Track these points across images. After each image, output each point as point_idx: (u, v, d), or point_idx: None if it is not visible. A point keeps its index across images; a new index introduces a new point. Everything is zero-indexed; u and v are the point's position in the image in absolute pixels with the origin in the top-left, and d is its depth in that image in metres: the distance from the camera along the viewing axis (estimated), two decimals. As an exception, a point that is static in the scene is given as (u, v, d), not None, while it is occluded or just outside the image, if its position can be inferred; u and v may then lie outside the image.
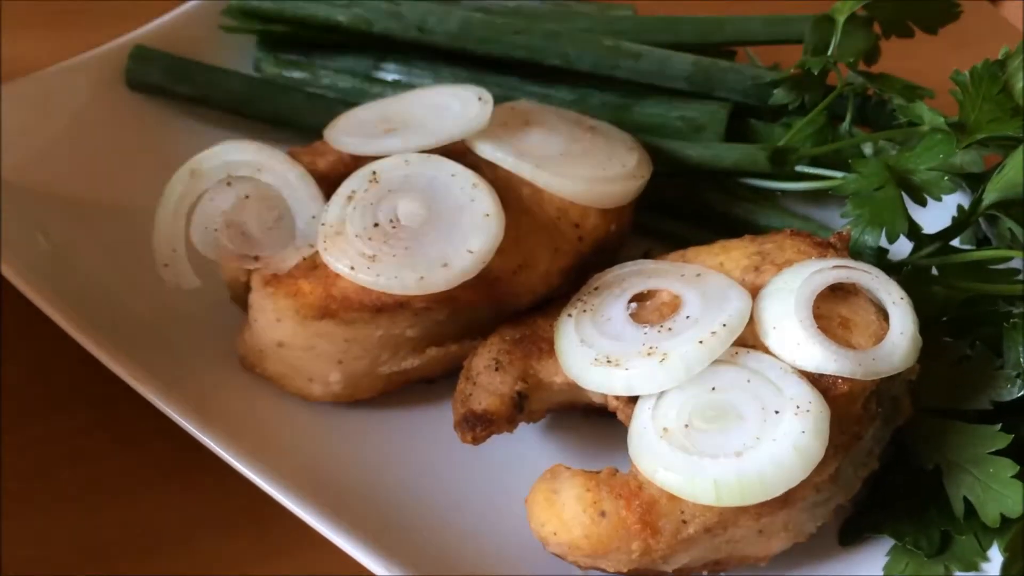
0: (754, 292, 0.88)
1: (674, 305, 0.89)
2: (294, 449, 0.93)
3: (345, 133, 1.00)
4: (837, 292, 0.88)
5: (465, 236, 0.90)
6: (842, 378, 0.82)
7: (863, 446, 0.86)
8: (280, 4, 1.20)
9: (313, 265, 0.90)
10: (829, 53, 1.12)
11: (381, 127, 1.01)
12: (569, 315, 0.90)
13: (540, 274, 0.94)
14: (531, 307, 0.96)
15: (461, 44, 1.18)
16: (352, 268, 0.87)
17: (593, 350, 0.86)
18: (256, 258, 0.91)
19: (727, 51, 1.27)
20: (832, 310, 0.86)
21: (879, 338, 0.85)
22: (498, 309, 0.94)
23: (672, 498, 0.79)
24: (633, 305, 0.90)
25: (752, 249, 0.94)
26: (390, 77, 1.23)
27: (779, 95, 1.16)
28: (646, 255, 1.06)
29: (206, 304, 1.00)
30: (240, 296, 0.98)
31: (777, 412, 0.80)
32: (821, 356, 0.82)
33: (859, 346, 0.84)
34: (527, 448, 0.95)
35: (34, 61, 1.15)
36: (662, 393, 0.83)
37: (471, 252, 0.89)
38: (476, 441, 0.86)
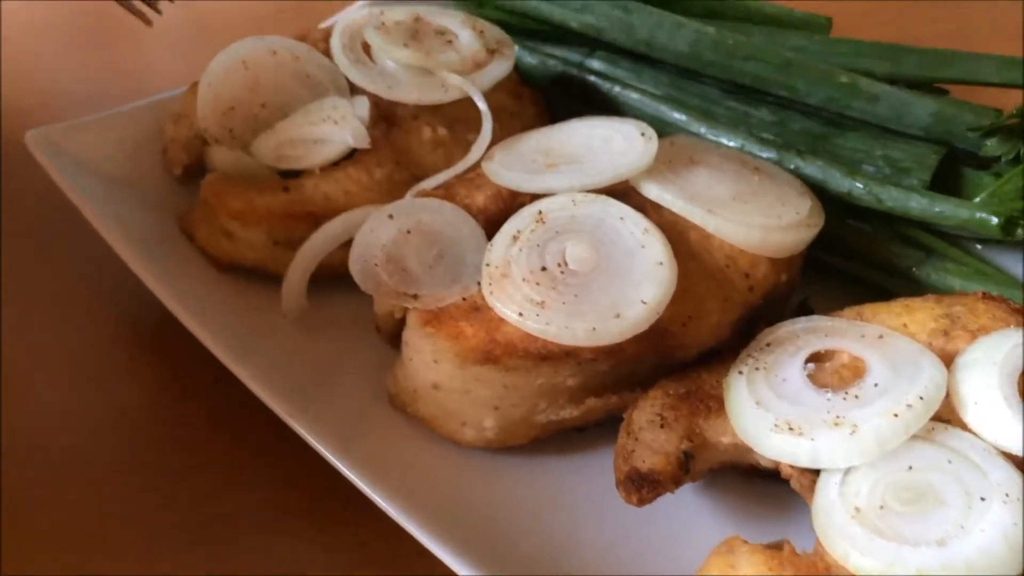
0: (944, 360, 0.82)
1: (856, 369, 0.83)
2: (442, 493, 0.89)
3: (505, 167, 0.96)
4: None
5: (637, 285, 0.85)
6: None
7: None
8: (522, 4, 1.21)
9: (475, 307, 0.87)
10: None
11: (542, 161, 0.97)
12: (740, 372, 0.85)
13: (710, 326, 0.89)
14: (696, 363, 0.91)
15: (687, 64, 1.16)
16: (520, 315, 0.83)
17: (771, 414, 0.80)
18: (415, 296, 0.88)
19: (938, 88, 1.19)
20: None
21: None
22: (663, 361, 0.90)
23: None
24: (810, 366, 0.84)
25: (939, 311, 0.88)
26: (596, 66, 1.23)
27: (992, 147, 1.07)
28: (803, 305, 1.01)
29: (351, 335, 0.99)
30: (389, 331, 0.95)
31: (983, 499, 0.73)
32: None
33: None
34: (685, 507, 0.90)
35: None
36: (850, 468, 0.77)
37: (644, 303, 0.84)
38: (641, 503, 0.81)
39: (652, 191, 0.93)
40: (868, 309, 0.90)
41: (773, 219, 0.93)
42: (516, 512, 0.89)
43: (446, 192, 0.96)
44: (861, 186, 1.05)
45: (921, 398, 0.78)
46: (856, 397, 0.80)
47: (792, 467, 0.81)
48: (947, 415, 0.79)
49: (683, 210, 0.92)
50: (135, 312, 1.08)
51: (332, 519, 0.92)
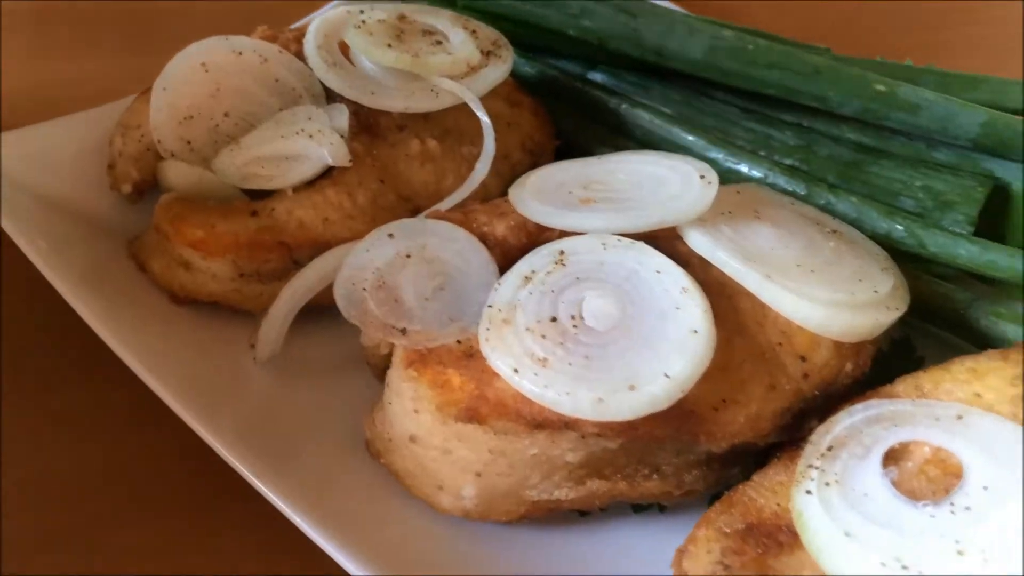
0: None
1: (944, 465, 0.68)
2: (416, 561, 0.77)
3: (534, 196, 0.83)
4: None
5: (664, 354, 0.70)
6: None
7: None
8: (511, 3, 1.08)
9: (469, 353, 0.74)
10: None
11: (578, 195, 0.83)
12: (808, 492, 0.68)
13: (749, 415, 0.74)
14: (726, 455, 0.76)
15: (703, 73, 1.03)
16: (516, 371, 0.70)
17: (869, 548, 0.65)
18: (403, 331, 0.75)
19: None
20: None
21: None
22: (685, 449, 0.75)
23: None
24: (891, 471, 0.68)
25: (1011, 371, 0.73)
26: (599, 79, 1.10)
27: None
28: (906, 343, 0.90)
29: (328, 377, 0.87)
30: (377, 366, 0.83)
31: None
32: None
33: None
34: None
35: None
36: None
37: (668, 377, 0.69)
38: None
39: (701, 244, 0.79)
40: (926, 380, 0.75)
41: (844, 295, 0.77)
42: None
43: (464, 216, 0.83)
44: (902, 228, 0.93)
45: None
46: (967, 509, 0.66)
47: None
48: None
49: (735, 272, 0.77)
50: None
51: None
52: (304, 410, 0.85)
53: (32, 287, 0.90)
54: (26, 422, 0.90)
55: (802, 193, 0.97)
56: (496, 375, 0.71)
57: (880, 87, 0.99)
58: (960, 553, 0.63)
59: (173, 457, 0.88)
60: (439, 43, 0.96)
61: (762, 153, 1.03)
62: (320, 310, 0.85)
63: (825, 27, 1.46)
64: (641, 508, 0.82)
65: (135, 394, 0.84)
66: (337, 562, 0.74)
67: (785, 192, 0.96)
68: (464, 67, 0.94)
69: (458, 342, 0.75)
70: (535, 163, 0.97)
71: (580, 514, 0.81)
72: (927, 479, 0.69)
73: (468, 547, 0.79)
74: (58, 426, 0.91)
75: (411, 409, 0.75)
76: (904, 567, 0.64)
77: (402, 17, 0.98)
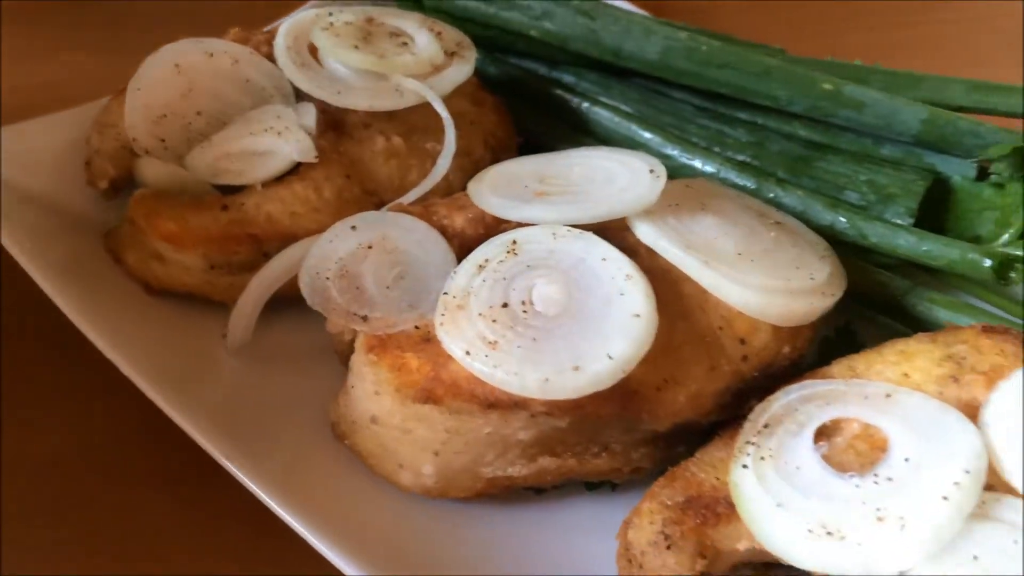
0: (965, 411, 0.72)
1: (871, 440, 0.73)
2: (384, 539, 0.81)
3: (492, 190, 0.87)
4: None
5: (607, 337, 0.75)
6: None
7: None
8: (476, 5, 1.13)
9: (426, 338, 0.78)
10: None
11: (533, 189, 0.88)
12: (744, 466, 0.73)
13: (689, 395, 0.78)
14: (671, 433, 0.80)
15: (659, 74, 1.08)
16: (467, 353, 0.74)
17: (799, 517, 0.69)
18: (364, 318, 0.79)
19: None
20: None
21: None
22: (631, 427, 0.79)
23: None
24: (822, 446, 0.73)
25: (939, 353, 0.78)
26: (561, 78, 1.15)
27: (1001, 170, 0.98)
28: (846, 329, 0.94)
29: (297, 364, 0.91)
30: (342, 352, 0.87)
31: None
32: None
33: None
34: None
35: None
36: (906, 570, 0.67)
37: (610, 358, 0.74)
38: None
39: (647, 234, 0.83)
40: (860, 361, 0.80)
41: (780, 281, 0.82)
42: (472, 564, 0.80)
43: (424, 209, 0.87)
44: (845, 220, 0.98)
45: (967, 472, 0.68)
46: (889, 480, 0.70)
47: None
48: (989, 478, 0.70)
49: (677, 259, 0.82)
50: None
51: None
52: (274, 396, 0.89)
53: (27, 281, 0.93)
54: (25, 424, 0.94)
55: (752, 187, 1.01)
56: (451, 358, 0.75)
57: (827, 86, 1.04)
58: (880, 519, 0.68)
59: (149, 434, 0.91)
60: (405, 44, 1.00)
61: (716, 149, 1.07)
62: (290, 301, 0.89)
63: (788, 27, 1.50)
64: (594, 486, 0.86)
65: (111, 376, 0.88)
66: (305, 539, 0.77)
67: (736, 186, 1.01)
68: (428, 67, 0.98)
69: (416, 328, 0.79)
70: (497, 159, 1.01)
71: (536, 492, 0.85)
72: (855, 453, 0.73)
73: (430, 523, 0.83)
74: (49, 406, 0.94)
75: (372, 391, 0.79)
76: (828, 533, 0.68)
77: (370, 19, 1.02)
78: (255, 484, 0.80)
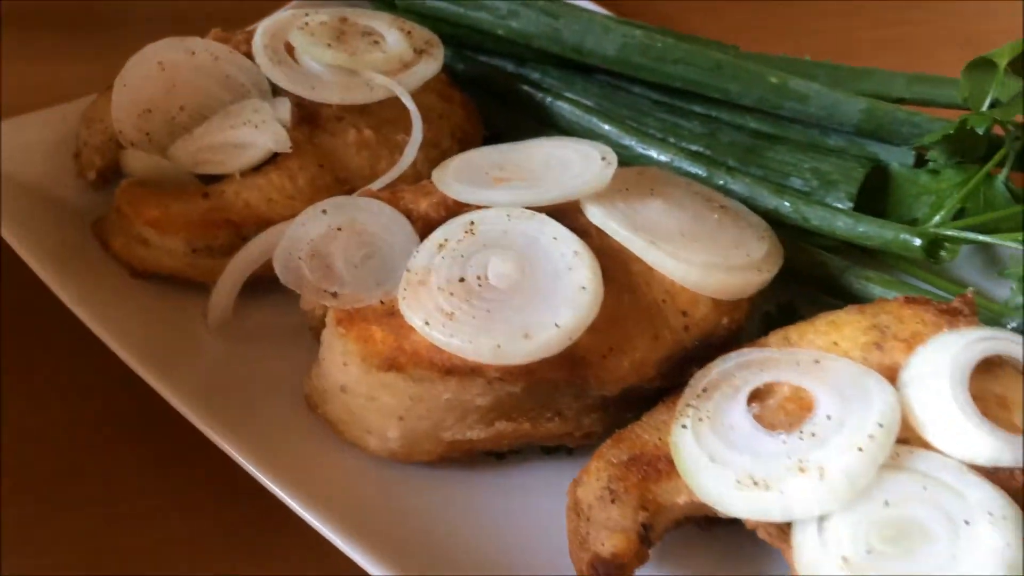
0: (885, 374, 0.79)
1: (800, 401, 0.79)
2: (360, 501, 0.87)
3: (454, 177, 0.94)
4: (980, 367, 0.78)
5: (555, 308, 0.81)
6: (1020, 469, 0.73)
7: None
8: (445, 5, 1.19)
9: (391, 311, 0.84)
10: (989, 103, 1.02)
11: (493, 175, 0.94)
12: (684, 427, 0.80)
13: (633, 362, 0.84)
14: (620, 398, 0.86)
15: (618, 69, 1.15)
16: (426, 323, 0.80)
17: (730, 469, 0.76)
18: (334, 294, 0.86)
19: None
20: (985, 389, 0.77)
21: None
22: (581, 393, 0.85)
23: None
24: (754, 407, 0.79)
25: (865, 323, 0.84)
26: (527, 74, 1.22)
27: (937, 157, 1.06)
28: (789, 306, 1.00)
29: (275, 342, 0.97)
30: (315, 329, 0.93)
31: (968, 523, 0.70)
32: (993, 447, 0.73)
33: None
34: None
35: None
36: (825, 514, 0.73)
37: (558, 326, 0.80)
38: None
39: (596, 215, 0.90)
40: (793, 332, 0.87)
41: (719, 258, 0.88)
42: (436, 523, 0.86)
43: (391, 195, 0.94)
44: (788, 205, 1.04)
45: (880, 425, 0.74)
46: (813, 435, 0.76)
47: None
48: (905, 434, 0.76)
49: (624, 239, 0.88)
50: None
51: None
52: (252, 371, 0.95)
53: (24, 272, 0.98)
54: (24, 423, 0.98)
55: (703, 175, 1.08)
56: (413, 329, 0.82)
57: (774, 79, 1.11)
58: (802, 470, 0.74)
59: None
60: (376, 43, 1.07)
61: (671, 140, 1.14)
62: (268, 284, 0.95)
63: (760, 30, 1.55)
64: (550, 451, 0.93)
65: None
66: (284, 502, 0.83)
67: (688, 174, 1.08)
68: (398, 63, 1.05)
69: (382, 303, 0.85)
70: (463, 151, 1.07)
71: (497, 458, 0.92)
72: (785, 413, 0.80)
73: (396, 485, 0.88)
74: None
75: (341, 362, 0.85)
76: (755, 483, 0.75)
77: (343, 19, 1.09)
78: (234, 450, 0.86)
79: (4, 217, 0.97)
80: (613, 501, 0.79)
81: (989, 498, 0.71)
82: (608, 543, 0.77)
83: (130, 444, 0.97)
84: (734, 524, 0.80)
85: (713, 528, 0.85)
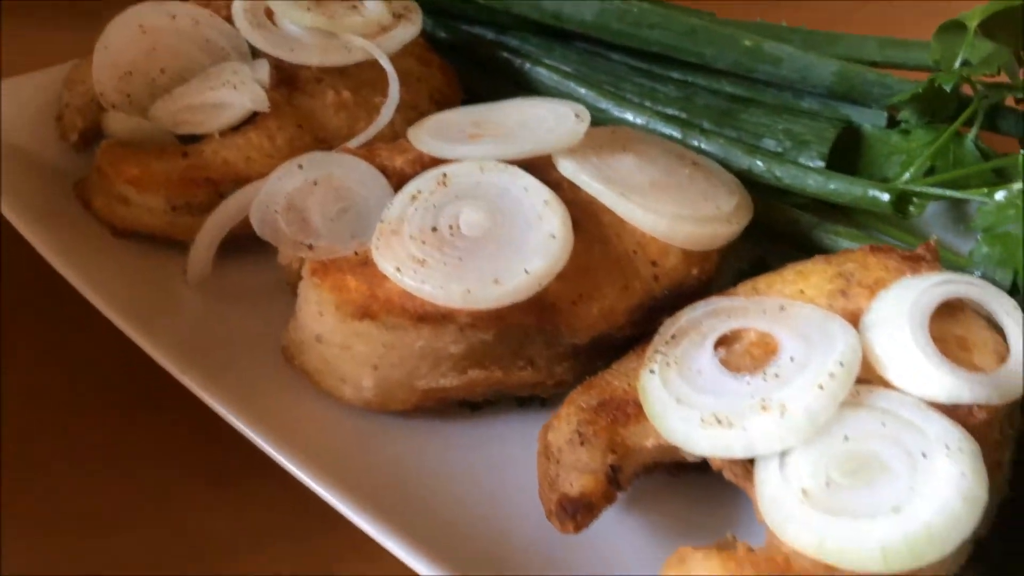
0: (850, 319, 0.81)
1: (766, 346, 0.80)
2: (323, 446, 0.88)
3: (430, 134, 0.95)
4: (942, 310, 0.80)
5: (525, 255, 0.83)
6: (978, 406, 0.75)
7: (1002, 474, 0.79)
8: None
9: (364, 261, 0.86)
10: (959, 64, 1.03)
11: (468, 132, 0.96)
12: (651, 371, 0.81)
13: (603, 309, 0.86)
14: (591, 347, 0.88)
15: (596, 34, 1.17)
16: (398, 270, 0.82)
17: (695, 410, 0.77)
18: (310, 247, 0.87)
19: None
20: (945, 331, 0.79)
21: (1001, 355, 0.78)
22: (552, 341, 0.87)
23: (827, 568, 0.70)
24: (721, 351, 0.81)
25: (831, 271, 0.86)
26: (508, 42, 1.24)
27: (908, 117, 1.07)
28: (762, 262, 1.01)
29: (255, 299, 0.98)
30: (293, 283, 0.94)
31: (925, 456, 0.71)
32: (952, 385, 0.75)
33: (983, 367, 0.77)
34: (614, 522, 0.85)
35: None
36: (786, 450, 0.74)
37: (527, 272, 0.82)
38: (578, 529, 0.78)
39: (568, 168, 0.91)
40: (762, 281, 0.88)
41: (688, 210, 0.90)
42: (411, 470, 0.87)
43: (367, 152, 0.95)
44: (761, 164, 1.06)
45: (841, 364, 0.76)
46: (776, 376, 0.78)
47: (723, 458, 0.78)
48: (867, 375, 0.78)
49: (596, 191, 0.90)
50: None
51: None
52: (231, 326, 0.96)
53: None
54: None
55: (678, 137, 1.10)
56: (386, 278, 0.83)
57: (747, 43, 1.12)
58: (764, 408, 0.76)
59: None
60: (354, 7, 1.08)
61: (648, 104, 1.16)
62: (247, 243, 0.96)
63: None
64: (524, 402, 0.94)
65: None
66: (263, 450, 0.84)
67: (664, 136, 1.09)
68: (376, 27, 1.07)
69: (356, 253, 0.87)
70: (441, 112, 1.09)
71: (471, 409, 0.93)
72: (751, 358, 0.81)
73: (371, 436, 0.89)
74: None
75: (316, 312, 0.87)
76: (719, 421, 0.76)
77: None
78: (213, 400, 0.87)
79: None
80: (582, 444, 0.80)
81: (947, 432, 0.72)
82: (577, 483, 0.78)
83: (131, 424, 0.98)
84: (702, 471, 0.82)
85: (682, 475, 0.86)
